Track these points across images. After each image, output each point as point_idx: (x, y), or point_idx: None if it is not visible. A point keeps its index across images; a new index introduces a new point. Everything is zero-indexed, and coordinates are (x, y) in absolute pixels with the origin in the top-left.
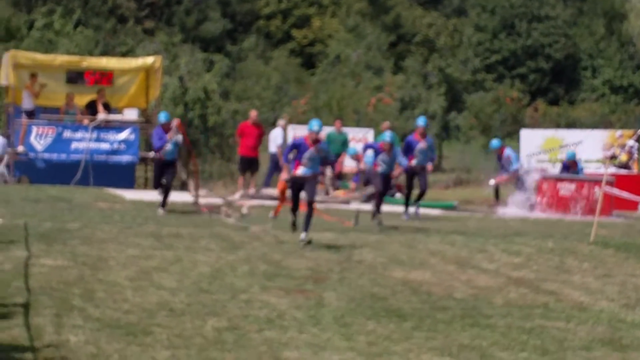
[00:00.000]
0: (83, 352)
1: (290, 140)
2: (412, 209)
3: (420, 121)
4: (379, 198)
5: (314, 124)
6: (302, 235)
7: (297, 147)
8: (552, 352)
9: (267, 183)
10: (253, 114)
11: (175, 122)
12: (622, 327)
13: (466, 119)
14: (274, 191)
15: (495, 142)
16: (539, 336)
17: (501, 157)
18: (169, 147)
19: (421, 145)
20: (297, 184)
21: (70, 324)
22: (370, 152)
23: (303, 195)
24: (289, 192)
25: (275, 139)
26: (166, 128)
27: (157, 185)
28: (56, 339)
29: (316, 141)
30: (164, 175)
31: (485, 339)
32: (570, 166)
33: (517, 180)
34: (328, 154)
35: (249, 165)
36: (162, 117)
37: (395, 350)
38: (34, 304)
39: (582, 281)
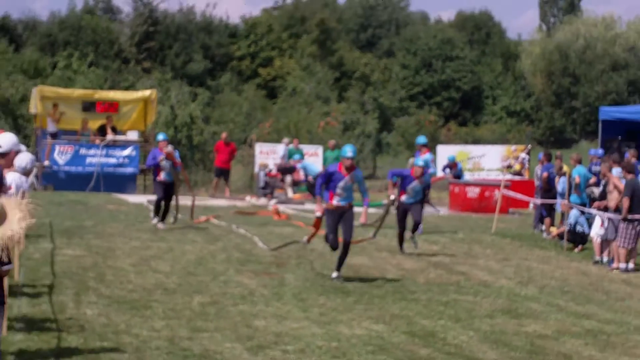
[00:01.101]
0: (97, 323)
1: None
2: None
3: (420, 139)
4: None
5: (348, 149)
6: (334, 274)
7: (331, 176)
8: (463, 319)
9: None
10: (223, 135)
11: (165, 151)
12: (518, 299)
13: (394, 138)
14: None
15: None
16: (453, 307)
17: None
18: (164, 163)
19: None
20: (334, 216)
21: (86, 301)
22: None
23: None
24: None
25: (278, 152)
26: (162, 147)
27: (158, 204)
28: (75, 312)
29: (351, 168)
30: (164, 197)
31: (411, 310)
32: (451, 166)
33: None
34: (361, 183)
35: (222, 173)
36: (159, 136)
37: (341, 319)
38: (58, 285)
39: (486, 264)
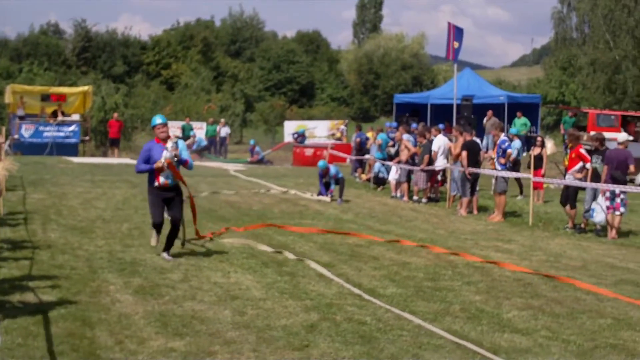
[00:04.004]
0: (59, 242)
1: None
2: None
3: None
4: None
5: None
6: None
7: None
8: (306, 236)
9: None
10: (115, 115)
11: (162, 161)
12: (341, 222)
13: (255, 116)
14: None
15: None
16: (297, 225)
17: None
18: (163, 163)
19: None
20: None
21: (50, 228)
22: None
23: None
24: None
25: (221, 132)
26: (159, 136)
27: (157, 220)
28: (43, 236)
29: None
30: (167, 208)
31: (270, 230)
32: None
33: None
34: None
35: (114, 142)
36: (156, 120)
37: (224, 237)
38: (30, 218)
39: (318, 199)
